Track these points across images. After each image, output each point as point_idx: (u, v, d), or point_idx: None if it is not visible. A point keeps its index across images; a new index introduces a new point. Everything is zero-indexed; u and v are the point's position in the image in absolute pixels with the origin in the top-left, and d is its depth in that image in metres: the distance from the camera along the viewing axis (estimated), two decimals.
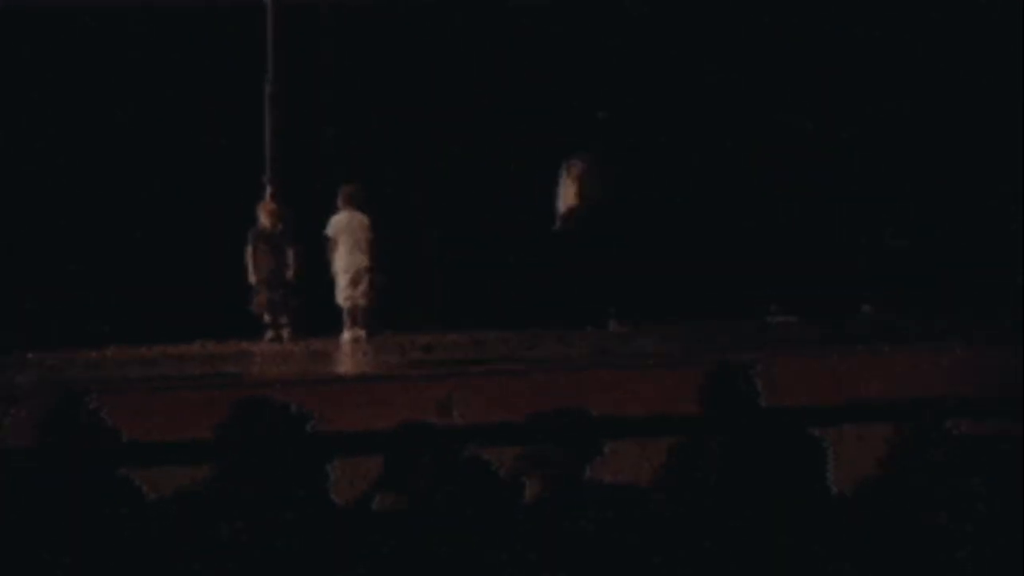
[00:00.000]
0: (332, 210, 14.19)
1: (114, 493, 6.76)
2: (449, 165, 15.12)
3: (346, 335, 13.98)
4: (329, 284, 14.16)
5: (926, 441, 7.60)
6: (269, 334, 14.21)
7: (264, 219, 14.32)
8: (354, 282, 13.97)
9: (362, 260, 13.99)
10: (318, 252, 14.16)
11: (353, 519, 6.85)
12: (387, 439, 7.14)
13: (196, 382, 10.39)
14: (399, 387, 10.05)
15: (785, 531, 7.34)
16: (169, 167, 14.61)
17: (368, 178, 14.35)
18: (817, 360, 10.19)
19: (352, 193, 14.09)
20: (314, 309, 14.25)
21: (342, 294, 14.02)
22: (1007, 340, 10.72)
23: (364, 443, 7.89)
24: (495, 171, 15.11)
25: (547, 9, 15.25)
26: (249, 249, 14.26)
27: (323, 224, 14.16)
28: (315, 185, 14.42)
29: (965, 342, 10.92)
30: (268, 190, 14.48)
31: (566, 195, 14.61)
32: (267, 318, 14.26)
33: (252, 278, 14.26)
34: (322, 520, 6.51)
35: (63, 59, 14.42)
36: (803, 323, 13.95)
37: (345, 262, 14.00)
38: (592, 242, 14.45)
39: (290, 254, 14.25)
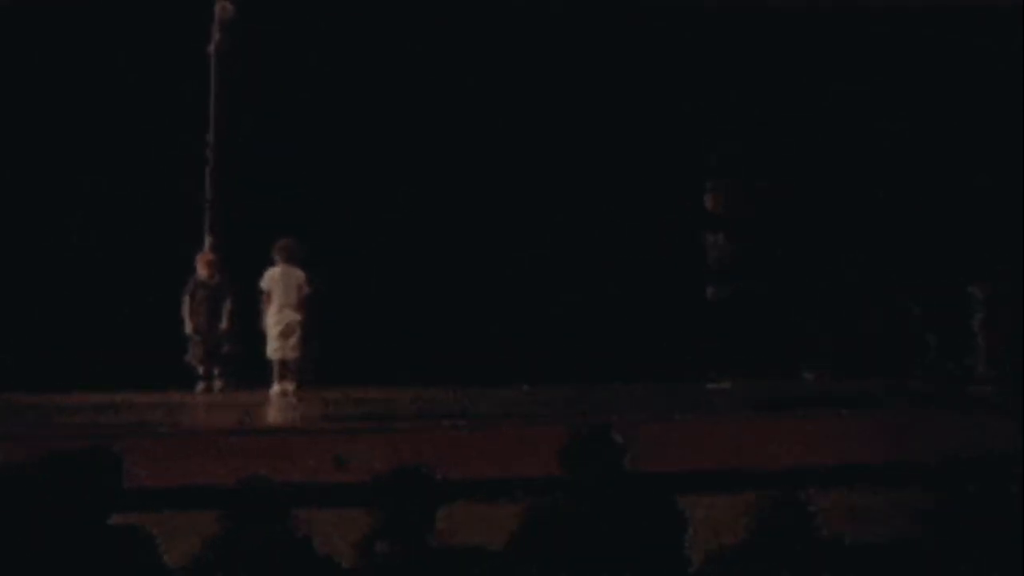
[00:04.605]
0: (270, 262, 14.11)
1: None
2: (394, 217, 15.10)
3: (275, 388, 13.88)
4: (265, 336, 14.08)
5: (785, 511, 7.46)
6: (201, 385, 14.15)
7: (201, 270, 14.28)
8: (284, 335, 13.88)
9: (294, 314, 13.90)
10: (255, 304, 14.10)
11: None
12: (224, 495, 7.01)
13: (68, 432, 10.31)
14: (291, 442, 9.93)
15: None
16: (107, 215, 14.59)
17: (308, 231, 14.27)
18: (681, 426, 10.06)
19: (288, 247, 14.01)
20: (254, 361, 14.17)
21: (272, 346, 13.93)
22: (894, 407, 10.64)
23: (199, 497, 7.78)
24: (443, 223, 15.14)
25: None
26: (186, 299, 14.22)
27: (260, 276, 14.09)
28: (254, 237, 14.33)
29: (853, 410, 10.79)
30: (207, 241, 14.45)
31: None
32: (200, 369, 14.21)
33: (188, 328, 14.22)
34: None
35: None
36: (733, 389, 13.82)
37: (277, 316, 13.92)
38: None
39: (227, 305, 14.21)
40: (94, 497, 6.37)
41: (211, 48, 14.30)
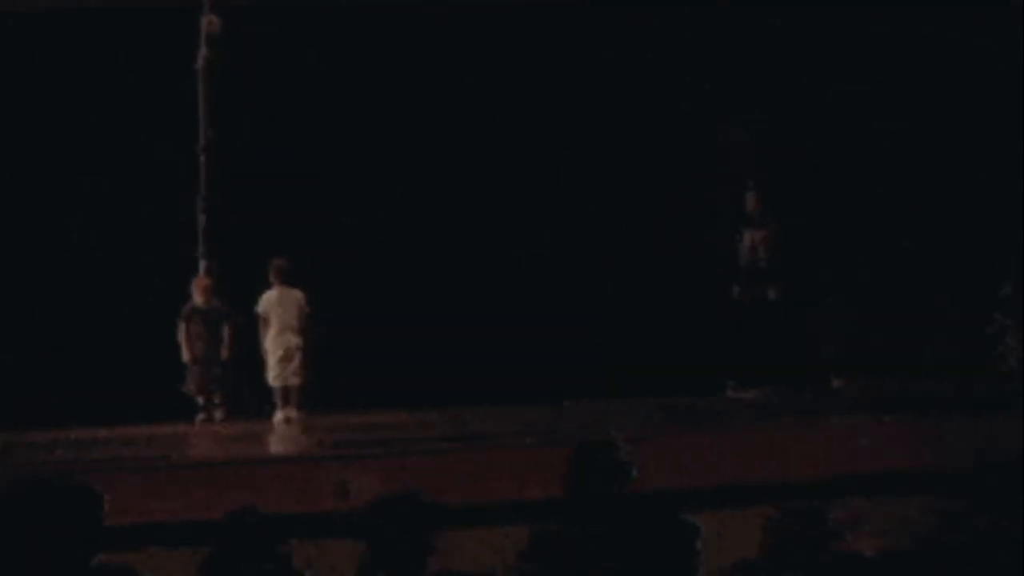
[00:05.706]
0: (267, 284, 13.75)
1: None
2: (391, 231, 14.82)
3: (279, 415, 13.47)
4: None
5: (805, 524, 7.13)
6: (201, 415, 13.78)
7: (198, 296, 13.90)
8: (285, 360, 13.47)
9: (294, 338, 13.51)
10: (254, 329, 13.75)
11: None
12: (214, 529, 6.69)
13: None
14: (296, 470, 9.62)
15: None
16: (100, 242, 14.31)
17: (305, 250, 13.90)
18: (690, 440, 9.69)
19: (283, 267, 13.61)
20: (255, 388, 13.84)
21: (272, 373, 13.51)
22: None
23: (190, 533, 7.46)
24: (442, 233, 14.89)
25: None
26: (182, 327, 13.86)
27: (257, 300, 13.73)
28: (250, 259, 13.98)
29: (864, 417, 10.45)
30: (202, 265, 14.11)
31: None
32: (200, 398, 13.86)
33: (185, 357, 13.86)
34: None
35: None
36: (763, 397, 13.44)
37: (276, 340, 13.53)
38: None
39: (225, 332, 13.84)
40: (71, 536, 6.04)
41: (199, 64, 13.98)
